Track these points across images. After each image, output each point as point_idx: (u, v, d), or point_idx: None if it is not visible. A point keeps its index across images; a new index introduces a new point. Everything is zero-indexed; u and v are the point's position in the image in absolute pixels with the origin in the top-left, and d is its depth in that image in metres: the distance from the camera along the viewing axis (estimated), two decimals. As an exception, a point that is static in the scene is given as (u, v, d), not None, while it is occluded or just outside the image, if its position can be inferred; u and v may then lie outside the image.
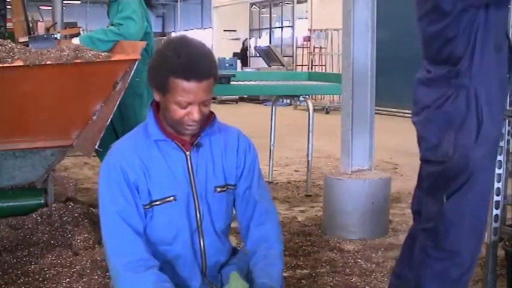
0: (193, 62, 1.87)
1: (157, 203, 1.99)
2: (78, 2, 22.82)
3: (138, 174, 1.97)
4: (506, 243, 2.94)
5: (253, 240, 2.11)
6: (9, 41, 3.35)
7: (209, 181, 2.04)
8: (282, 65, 14.70)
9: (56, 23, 4.87)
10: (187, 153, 2.02)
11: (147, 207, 1.99)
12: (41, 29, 5.42)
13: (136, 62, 3.35)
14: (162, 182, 1.99)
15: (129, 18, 3.95)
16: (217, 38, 21.35)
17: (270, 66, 15.12)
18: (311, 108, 5.38)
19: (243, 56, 18.95)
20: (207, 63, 1.91)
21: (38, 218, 3.74)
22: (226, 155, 2.07)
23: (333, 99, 12.92)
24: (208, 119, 2.03)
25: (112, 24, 4.04)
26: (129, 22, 3.94)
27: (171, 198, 1.99)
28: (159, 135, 1.99)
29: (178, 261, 2.04)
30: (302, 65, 15.34)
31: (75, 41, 3.84)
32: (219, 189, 2.06)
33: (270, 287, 2.00)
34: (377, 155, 5.00)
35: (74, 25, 8.90)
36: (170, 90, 1.89)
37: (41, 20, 5.80)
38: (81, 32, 4.56)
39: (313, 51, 14.77)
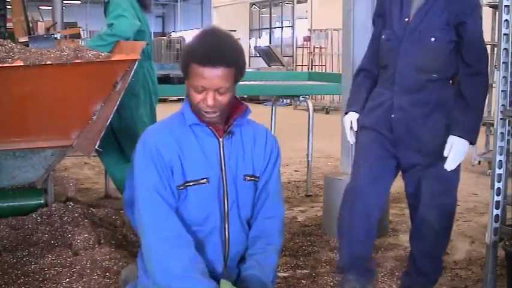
0: (210, 48, 1.96)
1: (191, 184, 2.06)
2: (78, 2, 22.80)
3: (172, 156, 2.04)
4: (506, 243, 2.94)
5: (256, 231, 2.18)
6: (9, 41, 3.35)
7: (239, 169, 2.12)
8: (282, 65, 14.70)
9: (56, 23, 4.87)
10: (221, 139, 2.10)
11: (181, 187, 2.06)
12: (41, 29, 5.41)
13: (136, 62, 3.35)
14: (196, 164, 2.06)
15: (120, 16, 3.99)
16: (217, 38, 21.30)
17: (270, 66, 15.12)
18: (311, 108, 5.37)
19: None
20: (226, 51, 1.98)
21: (38, 218, 3.73)
22: (255, 147, 2.15)
23: (333, 99, 12.92)
24: (240, 110, 2.12)
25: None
26: (120, 19, 3.97)
27: (205, 180, 2.07)
28: (194, 120, 2.07)
29: (206, 244, 2.09)
30: (302, 65, 15.33)
31: None
32: (248, 178, 2.14)
33: (259, 279, 2.06)
34: (377, 155, 4.99)
35: (74, 25, 8.89)
36: (190, 76, 2.00)
37: (41, 20, 5.78)
38: (81, 32, 4.56)
39: (313, 51, 14.75)
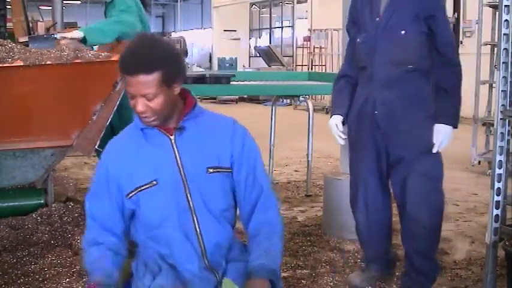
0: (129, 57, 2.01)
1: (142, 188, 2.08)
2: (78, 2, 22.78)
3: (119, 167, 2.10)
4: (506, 243, 2.94)
5: (256, 222, 2.15)
6: (9, 41, 3.36)
7: (199, 162, 2.10)
8: (282, 65, 14.70)
9: (56, 23, 4.87)
10: (172, 137, 2.10)
11: (131, 194, 2.09)
12: (41, 29, 5.42)
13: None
14: (146, 168, 2.09)
15: (124, 11, 3.98)
16: (217, 38, 21.34)
17: (270, 66, 15.12)
18: (311, 108, 5.38)
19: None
20: (143, 58, 1.99)
21: (38, 218, 3.74)
22: (218, 139, 2.13)
23: (333, 99, 12.89)
24: (189, 106, 2.13)
25: None
26: (124, 14, 3.97)
27: (154, 182, 2.08)
28: (143, 124, 2.10)
29: (171, 245, 2.09)
30: (302, 65, 15.33)
31: (77, 33, 3.80)
32: (211, 170, 2.11)
33: (268, 268, 2.04)
34: (377, 155, 5.00)
35: (74, 25, 8.89)
36: None
37: (41, 20, 5.80)
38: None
39: (313, 51, 14.76)
